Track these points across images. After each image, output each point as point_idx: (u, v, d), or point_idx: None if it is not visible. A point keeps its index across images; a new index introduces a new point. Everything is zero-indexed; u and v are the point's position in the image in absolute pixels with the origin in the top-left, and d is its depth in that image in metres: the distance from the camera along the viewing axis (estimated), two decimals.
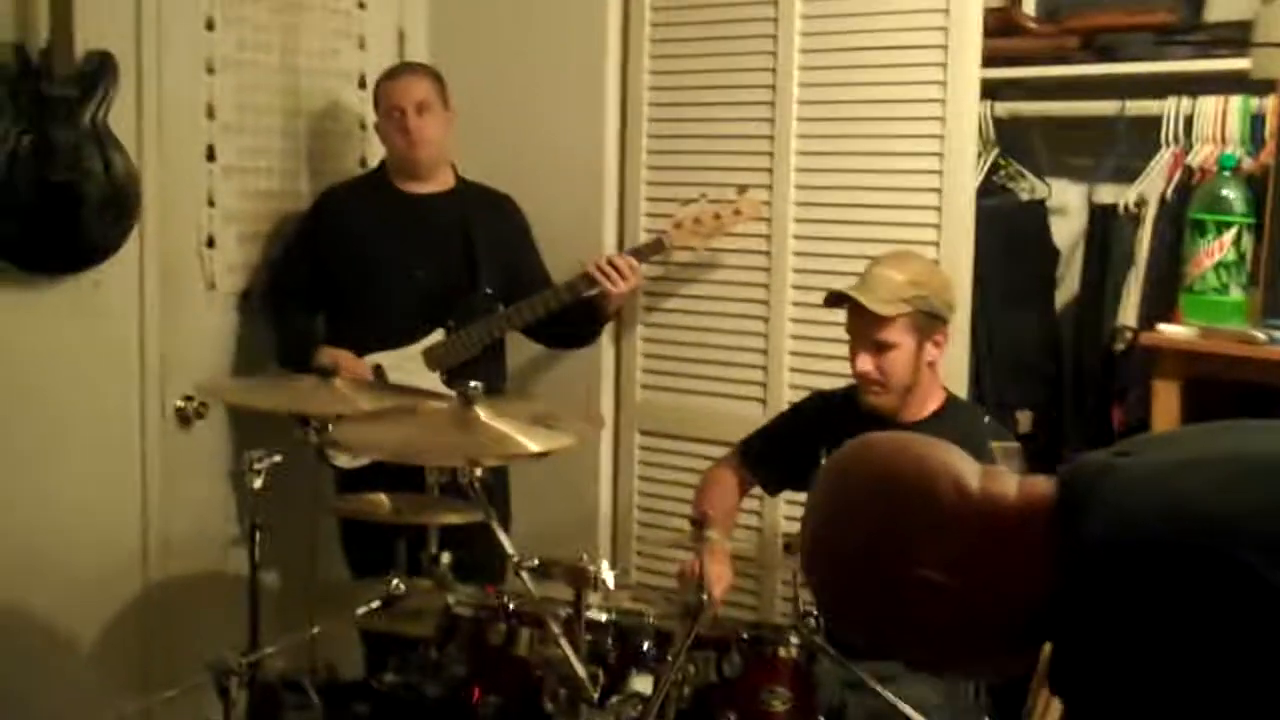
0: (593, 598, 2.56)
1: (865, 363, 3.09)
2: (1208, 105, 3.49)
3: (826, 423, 3.22)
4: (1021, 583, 1.46)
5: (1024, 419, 3.71)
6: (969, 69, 3.54)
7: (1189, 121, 3.51)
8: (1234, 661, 1.29)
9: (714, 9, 3.93)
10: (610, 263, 3.69)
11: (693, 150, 3.97)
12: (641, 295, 4.02)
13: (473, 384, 2.64)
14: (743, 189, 3.77)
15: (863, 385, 3.12)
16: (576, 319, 3.79)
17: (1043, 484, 1.50)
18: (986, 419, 3.18)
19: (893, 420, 3.09)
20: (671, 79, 4.02)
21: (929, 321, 3.08)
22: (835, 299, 3.14)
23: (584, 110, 4.11)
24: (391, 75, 3.84)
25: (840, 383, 3.30)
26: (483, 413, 2.57)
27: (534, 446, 2.55)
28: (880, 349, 3.07)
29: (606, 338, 4.05)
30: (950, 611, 1.50)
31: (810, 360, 3.74)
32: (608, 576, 2.47)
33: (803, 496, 3.34)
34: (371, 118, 3.92)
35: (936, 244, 3.54)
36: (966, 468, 1.54)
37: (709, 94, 3.95)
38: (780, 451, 3.32)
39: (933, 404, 3.15)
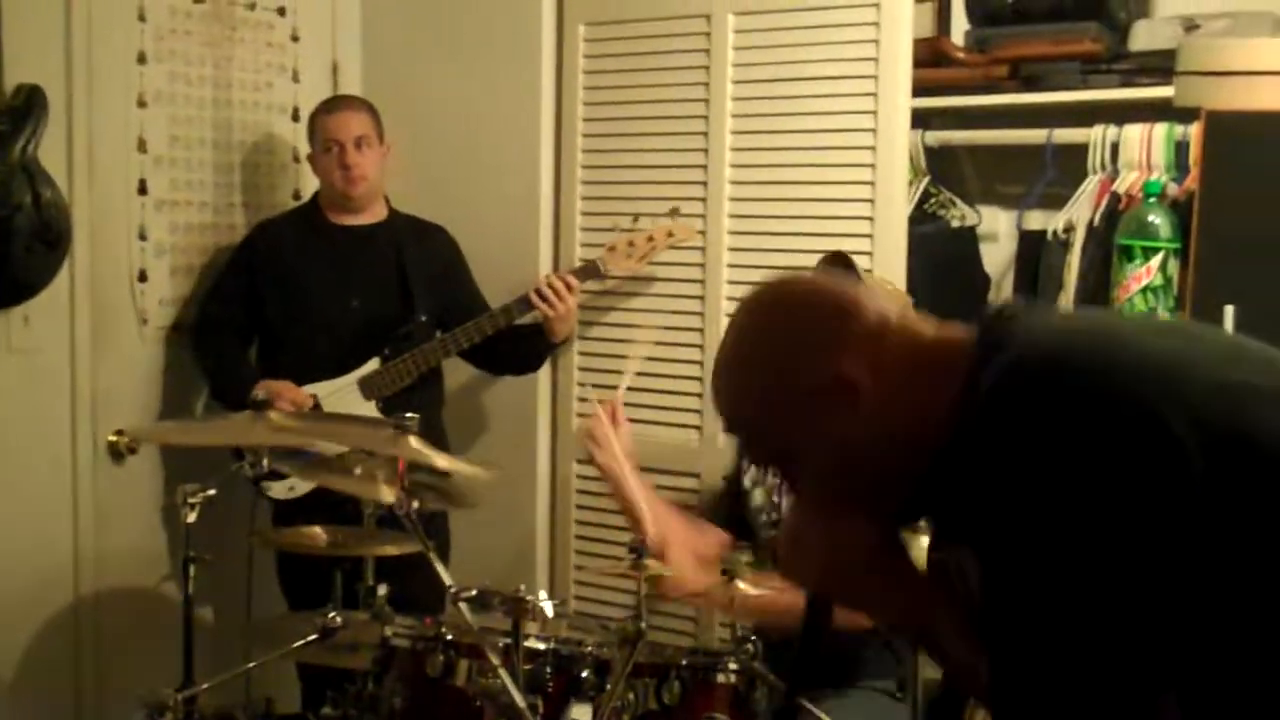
0: (531, 627, 2.56)
1: None
2: (1133, 132, 3.55)
3: None
4: (934, 409, 1.47)
5: None
6: (899, 98, 3.58)
7: (1115, 149, 3.57)
8: (1122, 507, 1.31)
9: (648, 40, 3.96)
10: (548, 283, 3.69)
11: (627, 177, 3.98)
12: (576, 337, 4.02)
13: (408, 414, 2.65)
14: (675, 211, 3.78)
15: None
16: (518, 344, 3.79)
17: (960, 328, 1.54)
18: None
19: None
20: (606, 107, 4.04)
21: None
22: (839, 260, 3.18)
23: (518, 137, 4.12)
24: (329, 108, 3.83)
25: None
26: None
27: (440, 463, 2.58)
28: None
29: (542, 370, 4.05)
30: (864, 425, 1.51)
31: None
32: (546, 606, 2.47)
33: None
34: (305, 150, 3.91)
35: (869, 271, 3.56)
36: (888, 303, 1.58)
37: (643, 121, 3.97)
38: (735, 502, 3.34)
39: None
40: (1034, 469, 1.34)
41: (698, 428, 3.86)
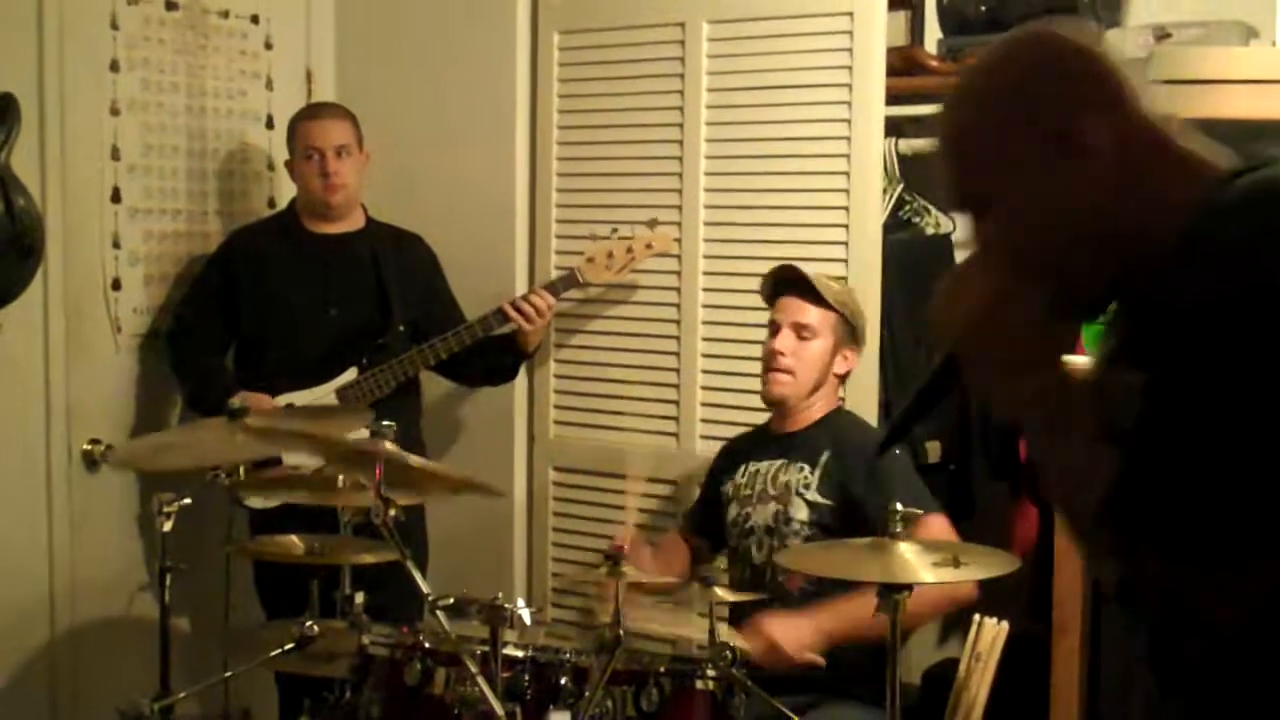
0: (509, 635, 2.56)
1: (784, 342, 3.15)
2: None
3: (727, 455, 3.37)
4: (1164, 208, 1.39)
5: (933, 449, 3.75)
6: (873, 107, 3.60)
7: None
8: None
9: (622, 48, 3.97)
10: (525, 299, 3.70)
11: (603, 186, 3.99)
12: (553, 331, 4.03)
13: (386, 423, 2.65)
14: (654, 223, 3.79)
15: (771, 370, 3.17)
16: (492, 355, 3.80)
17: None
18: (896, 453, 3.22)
19: (781, 432, 3.19)
20: (580, 115, 4.05)
21: (848, 332, 3.21)
22: (779, 275, 3.20)
23: (493, 147, 4.13)
24: (311, 115, 3.82)
25: (752, 418, 3.36)
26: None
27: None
28: (802, 333, 3.14)
29: (519, 379, 4.05)
30: (1084, 193, 1.43)
31: (722, 394, 3.76)
32: (524, 614, 2.48)
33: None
34: (280, 158, 3.90)
35: (845, 278, 3.58)
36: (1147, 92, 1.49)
37: (618, 130, 3.97)
38: (710, 510, 3.37)
39: (820, 413, 3.23)
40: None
41: (674, 435, 3.87)
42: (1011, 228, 1.49)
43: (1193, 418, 1.27)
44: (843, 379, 3.26)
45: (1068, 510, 1.47)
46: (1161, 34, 3.61)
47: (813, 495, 3.11)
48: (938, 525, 2.98)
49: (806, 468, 3.13)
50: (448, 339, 3.70)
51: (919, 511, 2.69)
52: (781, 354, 3.15)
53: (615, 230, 3.80)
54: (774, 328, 3.20)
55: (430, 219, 3.99)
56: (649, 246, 3.77)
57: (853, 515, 3.01)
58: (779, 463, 3.18)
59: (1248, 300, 1.27)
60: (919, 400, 1.62)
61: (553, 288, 3.77)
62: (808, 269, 3.40)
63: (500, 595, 2.48)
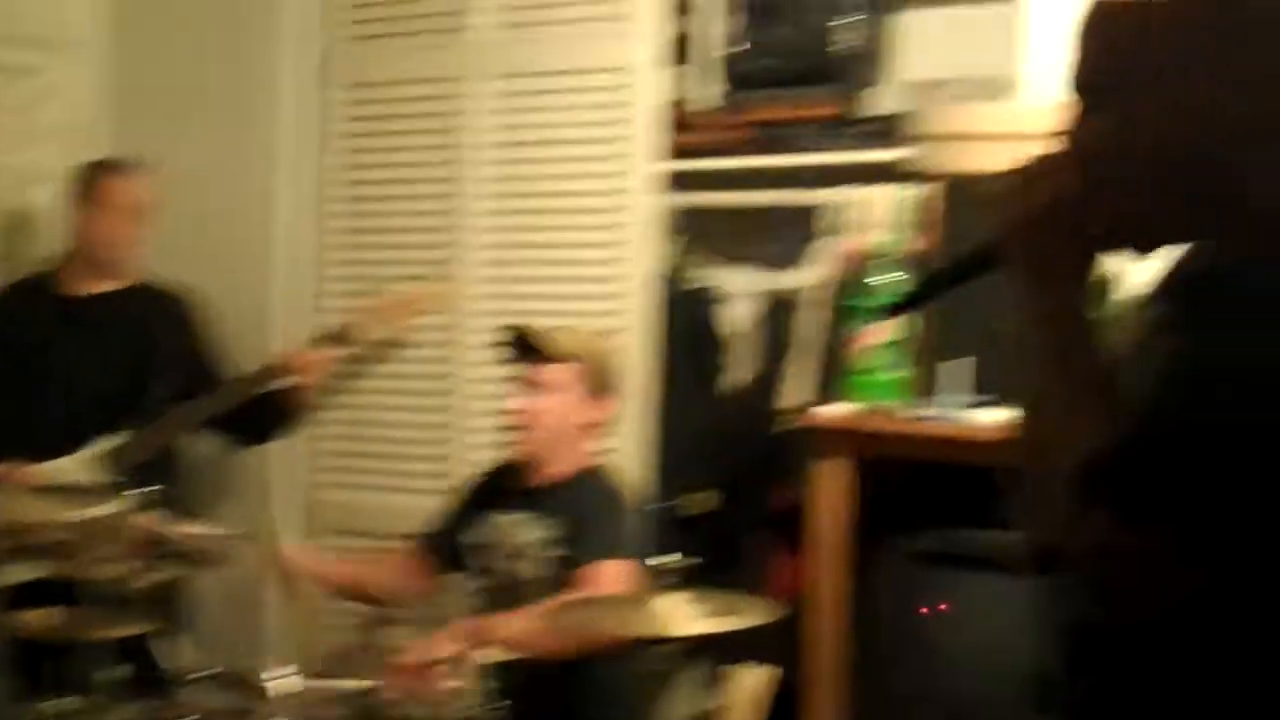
0: (268, 704, 2.52)
1: (522, 401, 3.13)
2: (871, 194, 3.65)
3: (475, 493, 3.32)
4: None
5: (700, 499, 3.79)
6: (648, 160, 3.64)
7: (854, 210, 3.66)
8: None
9: (401, 102, 3.96)
10: (301, 353, 3.64)
11: (377, 242, 3.96)
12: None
13: (146, 489, 2.59)
14: (429, 277, 3.75)
15: (511, 428, 3.16)
16: (261, 415, 3.71)
17: None
18: (649, 508, 3.23)
19: (528, 486, 3.16)
20: (355, 170, 4.03)
21: (594, 382, 3.16)
22: (512, 337, 3.19)
23: (268, 201, 4.08)
24: (115, 171, 3.71)
25: None
26: None
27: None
28: (541, 388, 3.12)
29: (288, 435, 3.98)
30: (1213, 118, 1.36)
31: (492, 453, 3.73)
32: (283, 683, 2.44)
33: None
34: (49, 213, 3.79)
35: (618, 331, 3.61)
36: None
37: (393, 185, 3.96)
38: (442, 532, 3.34)
39: (570, 469, 3.18)
40: None
41: (443, 494, 3.82)
42: (1126, 135, 1.42)
43: (1230, 404, 1.26)
44: (594, 432, 3.22)
45: (1032, 460, 1.42)
46: (925, 89, 3.72)
47: (543, 556, 3.08)
48: (610, 572, 2.96)
49: (543, 527, 3.11)
50: (214, 398, 3.62)
51: (680, 560, 2.69)
52: (521, 413, 3.14)
53: (391, 284, 3.75)
54: (513, 385, 3.20)
55: (200, 275, 3.89)
56: (424, 300, 3.72)
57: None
58: (520, 517, 3.15)
59: None
60: (947, 275, 1.53)
61: (326, 341, 3.70)
62: (579, 322, 3.42)
63: (258, 664, 2.43)
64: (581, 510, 3.07)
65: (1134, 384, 1.38)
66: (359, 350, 3.83)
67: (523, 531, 3.13)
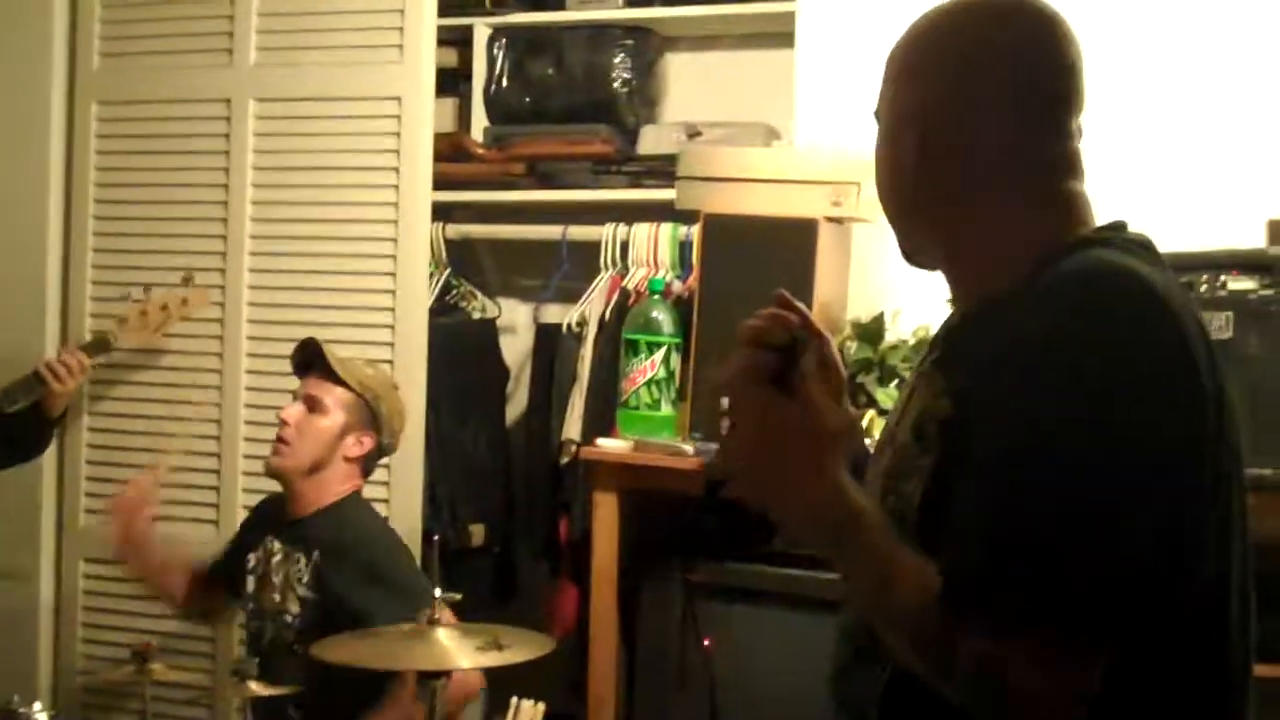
0: None
1: (291, 412, 3.09)
2: (641, 232, 3.73)
3: (258, 517, 3.29)
4: (1017, 241, 1.47)
5: (477, 531, 3.80)
6: (420, 190, 3.64)
7: (625, 246, 3.74)
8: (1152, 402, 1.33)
9: (167, 121, 3.87)
10: (60, 361, 3.50)
11: (145, 264, 3.83)
12: (86, 414, 3.85)
13: None
14: (189, 279, 3.66)
15: (275, 438, 3.12)
16: (18, 431, 3.55)
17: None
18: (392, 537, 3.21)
19: (292, 515, 3.12)
20: (121, 189, 3.92)
21: (367, 417, 3.13)
22: (304, 351, 3.15)
23: (21, 213, 3.93)
24: None
25: None
26: None
27: None
28: (312, 406, 3.09)
29: (47, 458, 3.84)
30: (995, 138, 1.48)
31: (264, 478, 3.67)
32: (40, 717, 2.36)
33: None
34: None
35: (391, 361, 3.59)
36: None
37: (161, 205, 3.86)
38: (227, 555, 3.28)
39: (329, 500, 3.14)
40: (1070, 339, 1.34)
41: (214, 522, 3.75)
42: (876, 166, 1.57)
43: (1021, 508, 1.32)
44: (360, 465, 3.19)
45: (876, 627, 1.45)
46: (693, 131, 3.82)
47: (304, 590, 3.05)
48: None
49: (303, 559, 3.07)
50: None
51: (457, 596, 2.69)
52: (285, 423, 3.10)
53: (148, 290, 3.64)
54: (292, 397, 3.16)
55: None
56: (185, 302, 3.63)
57: (337, 614, 2.91)
58: (285, 549, 3.11)
59: (1023, 388, 1.34)
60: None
61: (85, 349, 3.57)
62: (353, 350, 3.39)
63: (16, 699, 2.35)
64: (340, 542, 3.04)
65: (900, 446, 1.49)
66: (117, 355, 3.72)
67: (286, 563, 3.09)
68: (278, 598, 3.08)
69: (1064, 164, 1.51)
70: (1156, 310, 1.37)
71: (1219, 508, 1.39)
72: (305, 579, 3.05)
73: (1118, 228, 1.50)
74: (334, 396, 3.10)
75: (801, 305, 1.52)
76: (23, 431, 3.59)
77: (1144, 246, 1.47)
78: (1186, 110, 3.19)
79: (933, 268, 1.59)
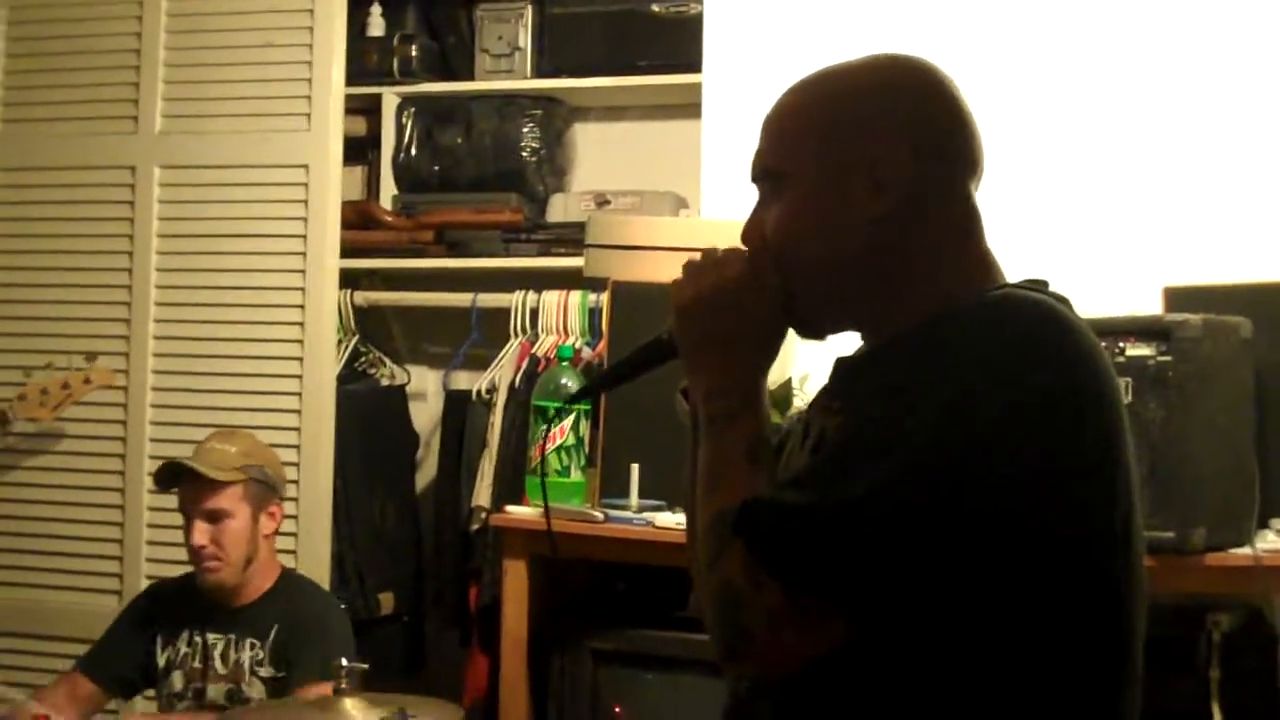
0: None
1: (201, 535, 3.04)
2: (551, 299, 3.76)
3: (163, 610, 3.19)
4: (922, 289, 1.47)
5: (386, 600, 3.77)
6: (327, 258, 3.63)
7: (535, 313, 3.76)
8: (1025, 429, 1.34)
9: (69, 188, 3.83)
10: None
11: (45, 330, 3.78)
12: None
13: None
14: (92, 356, 3.61)
15: (199, 562, 3.07)
16: None
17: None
18: (336, 603, 3.19)
19: (231, 605, 3.07)
20: (20, 256, 3.86)
21: (263, 491, 3.10)
22: (167, 472, 3.10)
23: None
24: None
25: None
26: None
27: None
28: (215, 518, 3.05)
29: None
30: (870, 226, 1.47)
31: (169, 550, 3.60)
32: None
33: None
34: None
35: (298, 429, 3.57)
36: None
37: (63, 272, 3.81)
38: (120, 652, 3.19)
39: (268, 582, 3.13)
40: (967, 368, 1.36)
41: (117, 592, 3.68)
42: (790, 223, 1.52)
43: (850, 477, 1.34)
44: (274, 536, 3.17)
45: (699, 509, 1.48)
46: (601, 200, 3.86)
47: (266, 671, 3.01)
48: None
49: (257, 643, 3.03)
50: None
51: (364, 665, 2.66)
52: (203, 547, 3.06)
53: (50, 365, 3.60)
54: (186, 520, 3.10)
55: None
56: (87, 381, 3.58)
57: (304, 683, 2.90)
58: (228, 638, 3.06)
59: (934, 399, 1.35)
60: (626, 361, 1.63)
61: None
62: (260, 418, 3.36)
63: None
64: (301, 619, 3.01)
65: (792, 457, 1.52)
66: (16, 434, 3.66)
67: (233, 652, 3.04)
68: (230, 688, 3.02)
69: (979, 223, 1.54)
70: (1064, 330, 1.40)
71: (1093, 539, 1.40)
72: (265, 660, 3.00)
73: (1039, 284, 1.52)
74: (226, 496, 3.06)
75: None
76: None
77: (1061, 301, 1.50)
78: (1085, 177, 3.27)
79: (833, 332, 1.59)
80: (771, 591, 1.34)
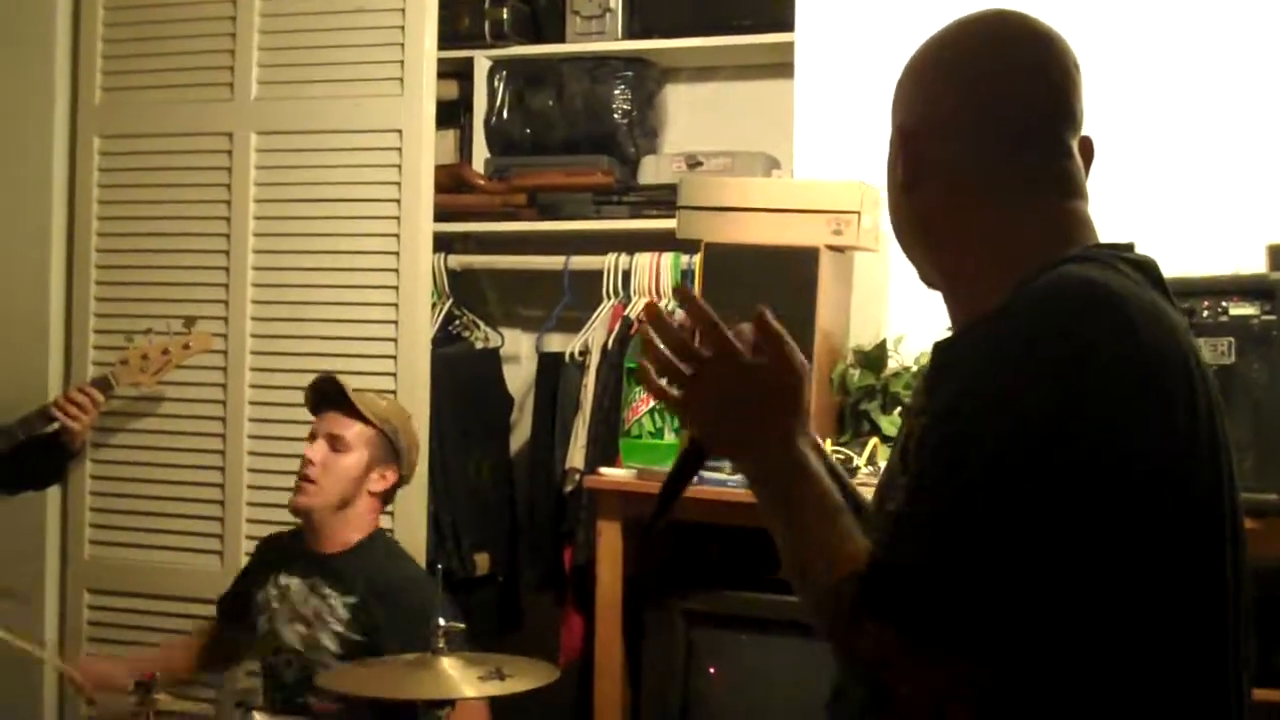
0: None
1: (315, 451, 3.09)
2: (643, 261, 3.75)
3: (263, 557, 3.27)
4: (1005, 263, 1.47)
5: (482, 560, 3.80)
6: (421, 222, 3.65)
7: (627, 276, 3.75)
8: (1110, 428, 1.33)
9: (168, 155, 3.88)
10: (70, 398, 3.51)
11: (146, 295, 3.85)
12: (89, 445, 3.85)
13: None
14: (191, 321, 3.67)
15: (300, 479, 3.12)
16: (34, 459, 3.55)
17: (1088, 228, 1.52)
18: (425, 570, 3.22)
19: (317, 551, 3.11)
20: (123, 221, 3.93)
21: (388, 450, 3.14)
22: (321, 387, 3.15)
23: (25, 249, 3.94)
24: None
25: None
26: None
27: None
28: (336, 445, 3.09)
29: (50, 490, 3.85)
30: (980, 158, 1.50)
31: (269, 510, 3.67)
32: None
33: None
34: None
35: (394, 391, 3.59)
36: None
37: (163, 237, 3.87)
38: (240, 604, 3.27)
39: (358, 536, 3.15)
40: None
41: (219, 552, 3.75)
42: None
43: (948, 522, 1.34)
44: (383, 498, 3.21)
45: (802, 583, 1.48)
46: (693, 161, 3.84)
47: (343, 629, 3.05)
48: None
49: (338, 598, 3.07)
50: None
51: (461, 626, 2.69)
52: (310, 463, 3.10)
53: (150, 330, 3.66)
54: (311, 436, 3.16)
55: None
56: (186, 347, 3.64)
57: (383, 654, 2.91)
58: (310, 583, 3.11)
59: (984, 420, 1.34)
60: (672, 482, 1.61)
61: (95, 387, 3.58)
62: (356, 381, 3.39)
63: None
64: (388, 586, 3.04)
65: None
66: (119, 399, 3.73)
67: (311, 598, 3.08)
68: (304, 631, 3.07)
69: (1057, 182, 1.51)
70: (1114, 321, 1.37)
71: (1191, 528, 1.39)
72: (344, 618, 3.04)
73: (1120, 247, 1.50)
74: (355, 433, 3.11)
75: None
76: (41, 461, 3.59)
77: (1138, 266, 1.47)
78: (1189, 135, 3.20)
79: (932, 287, 1.61)
80: (913, 656, 1.34)
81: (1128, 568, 1.34)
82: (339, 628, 3.04)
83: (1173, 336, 1.42)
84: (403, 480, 3.20)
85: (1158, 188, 3.17)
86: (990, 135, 1.50)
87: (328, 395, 3.17)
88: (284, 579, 3.13)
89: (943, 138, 1.50)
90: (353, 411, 3.11)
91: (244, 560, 3.59)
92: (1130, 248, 1.50)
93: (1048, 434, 1.32)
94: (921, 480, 1.39)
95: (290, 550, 3.19)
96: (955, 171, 1.50)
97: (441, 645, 2.58)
